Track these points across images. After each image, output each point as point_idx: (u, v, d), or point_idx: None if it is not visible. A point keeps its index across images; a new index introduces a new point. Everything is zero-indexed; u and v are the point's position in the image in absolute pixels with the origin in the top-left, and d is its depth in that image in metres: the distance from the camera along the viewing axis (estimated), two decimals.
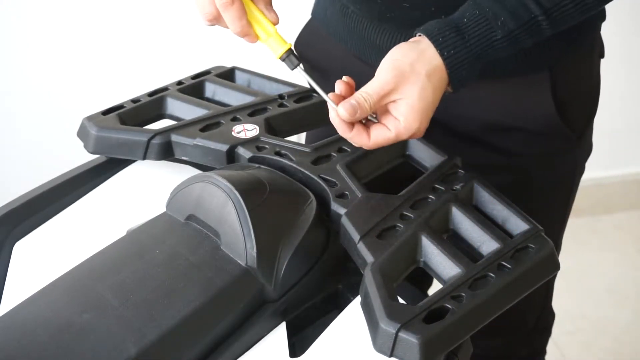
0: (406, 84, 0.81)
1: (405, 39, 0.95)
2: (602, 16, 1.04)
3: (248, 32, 0.85)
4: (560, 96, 1.02)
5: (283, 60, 0.84)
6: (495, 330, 1.01)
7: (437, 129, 1.00)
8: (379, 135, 0.82)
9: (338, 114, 0.81)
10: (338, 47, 1.10)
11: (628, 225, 2.51)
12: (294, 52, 0.84)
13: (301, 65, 0.85)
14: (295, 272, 0.77)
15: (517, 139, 1.03)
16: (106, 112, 0.96)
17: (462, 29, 0.84)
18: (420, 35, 0.84)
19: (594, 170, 2.56)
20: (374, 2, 0.97)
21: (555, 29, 0.86)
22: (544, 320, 1.26)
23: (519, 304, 0.74)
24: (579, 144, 1.07)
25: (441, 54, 0.82)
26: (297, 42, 1.17)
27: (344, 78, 0.84)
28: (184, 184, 0.81)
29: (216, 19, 0.86)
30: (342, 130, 0.82)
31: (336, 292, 0.81)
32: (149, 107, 0.98)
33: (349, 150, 0.88)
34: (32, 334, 0.68)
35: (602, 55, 1.10)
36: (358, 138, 0.82)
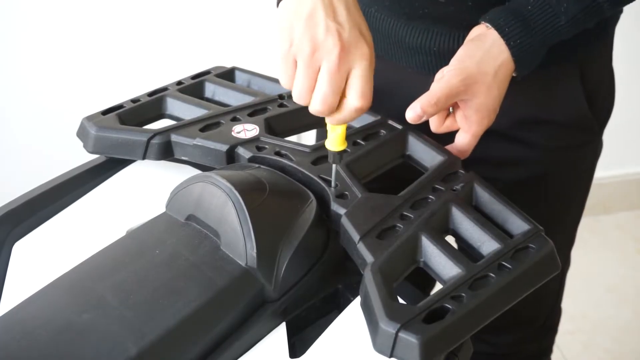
0: (474, 85, 0.84)
1: (437, 35, 0.96)
2: (620, 9, 1.07)
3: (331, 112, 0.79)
4: (589, 86, 1.04)
5: (330, 151, 0.81)
6: (506, 326, 1.01)
7: None
8: (463, 143, 0.88)
9: (406, 116, 0.84)
10: None
11: (628, 225, 2.51)
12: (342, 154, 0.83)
13: (338, 167, 0.83)
14: (295, 272, 0.77)
15: (546, 132, 1.05)
16: (106, 112, 0.95)
17: (527, 17, 0.86)
18: (485, 26, 0.86)
19: (595, 170, 2.56)
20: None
21: (614, 8, 0.89)
22: (553, 318, 1.26)
23: (531, 301, 0.75)
24: (599, 137, 1.10)
25: (507, 44, 0.85)
26: None
27: None
28: (184, 184, 0.81)
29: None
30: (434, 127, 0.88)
31: (336, 292, 0.81)
32: (148, 107, 0.98)
33: (349, 150, 0.88)
34: (32, 334, 0.68)
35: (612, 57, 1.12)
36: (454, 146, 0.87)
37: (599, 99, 1.07)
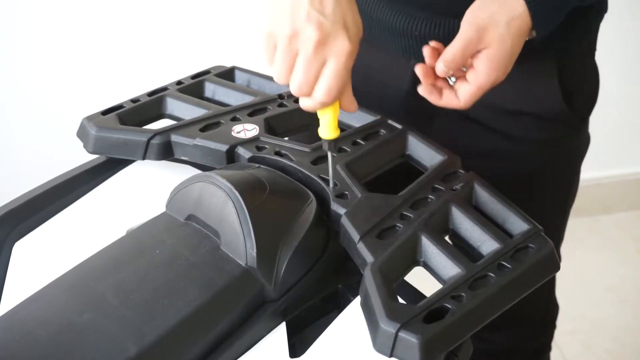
0: (486, 34, 0.84)
1: (420, 21, 0.97)
2: (605, 7, 1.06)
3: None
4: (567, 86, 1.04)
5: (324, 140, 0.82)
6: (505, 324, 1.01)
7: (444, 111, 1.02)
8: (465, 93, 0.86)
9: (436, 69, 0.86)
10: None
11: (628, 225, 2.51)
12: (337, 141, 0.83)
13: (334, 154, 0.84)
14: (295, 272, 0.77)
15: (525, 124, 1.05)
16: (106, 112, 0.95)
17: None
18: None
19: (594, 170, 2.56)
20: None
21: None
22: (550, 313, 1.26)
23: (526, 297, 0.75)
24: (581, 132, 1.10)
25: None
26: None
27: (432, 43, 0.88)
28: (184, 184, 0.81)
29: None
30: (434, 100, 0.87)
31: (336, 292, 0.81)
32: (148, 107, 0.98)
33: (348, 150, 0.88)
34: (32, 334, 0.68)
35: (595, 49, 1.12)
36: (449, 100, 0.87)
37: (578, 96, 1.08)
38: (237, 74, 1.05)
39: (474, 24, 0.85)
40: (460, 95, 0.87)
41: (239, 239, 0.75)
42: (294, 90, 0.77)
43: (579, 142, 1.13)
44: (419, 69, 0.88)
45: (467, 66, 0.87)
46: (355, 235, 0.77)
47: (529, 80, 1.04)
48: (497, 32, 0.84)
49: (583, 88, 1.09)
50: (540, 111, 1.05)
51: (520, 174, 1.07)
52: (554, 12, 0.87)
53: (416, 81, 0.93)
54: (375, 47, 1.07)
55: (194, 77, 1.03)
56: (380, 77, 1.09)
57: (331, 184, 0.84)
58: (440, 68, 0.86)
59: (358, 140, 0.90)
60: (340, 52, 0.75)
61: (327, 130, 0.81)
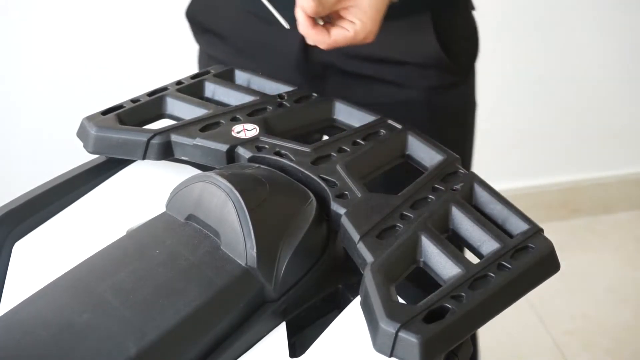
0: None
1: None
2: None
3: None
4: (444, 38, 1.12)
5: None
6: None
7: (333, 70, 1.13)
8: (338, 35, 0.91)
9: (304, 6, 0.89)
10: (230, 6, 1.15)
11: (628, 225, 2.51)
12: None
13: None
14: (295, 272, 0.77)
15: (409, 71, 1.13)
16: (106, 112, 0.95)
17: None
18: None
19: (594, 170, 2.57)
20: None
21: None
22: None
23: None
24: (466, 81, 1.20)
25: None
26: (191, 7, 1.21)
27: None
28: (184, 184, 0.81)
29: None
30: (305, 26, 0.91)
31: (336, 292, 0.81)
32: (148, 107, 0.98)
33: (348, 150, 0.88)
34: (32, 334, 0.68)
35: (472, 7, 1.22)
36: (320, 36, 0.90)
37: (455, 45, 1.16)
38: (237, 74, 1.05)
39: None
40: (333, 35, 0.92)
41: (239, 239, 0.75)
42: None
43: (465, 94, 1.21)
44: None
45: (336, 16, 0.92)
46: (355, 235, 0.77)
47: (407, 33, 1.12)
48: None
49: (460, 39, 1.17)
50: (422, 60, 1.13)
51: (411, 119, 1.12)
52: None
53: (305, 47, 1.05)
54: (263, 20, 1.11)
55: (194, 77, 1.03)
56: (270, 47, 1.15)
57: None
58: (311, 6, 0.89)
59: (358, 140, 0.90)
60: None
61: None
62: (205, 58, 1.26)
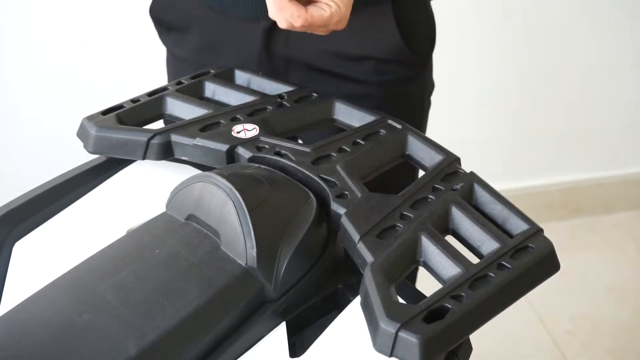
0: None
1: None
2: None
3: None
4: (405, 27, 1.12)
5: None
6: None
7: (294, 65, 1.13)
8: (315, 12, 0.89)
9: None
10: (191, 1, 1.15)
11: (628, 225, 2.51)
12: None
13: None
14: (295, 272, 0.77)
15: (368, 67, 1.13)
16: (106, 112, 0.95)
17: None
18: None
19: (594, 170, 2.57)
20: None
21: None
22: None
23: None
24: (424, 76, 1.19)
25: None
26: (154, 4, 1.21)
27: None
28: (184, 184, 0.81)
29: None
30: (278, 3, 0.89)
31: (336, 292, 0.81)
32: (148, 107, 0.98)
33: (348, 150, 0.88)
34: (32, 334, 0.68)
35: None
36: (296, 9, 0.88)
37: (416, 37, 1.16)
38: (237, 74, 1.05)
39: None
40: (309, 14, 0.89)
41: (239, 239, 0.75)
42: None
43: (423, 83, 1.21)
44: None
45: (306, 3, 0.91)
46: (355, 235, 0.77)
47: (368, 25, 1.10)
48: None
49: (419, 29, 1.17)
50: (382, 54, 1.12)
51: None
52: None
53: (267, 41, 1.05)
54: (223, 15, 1.12)
55: (193, 77, 1.03)
56: (232, 42, 1.14)
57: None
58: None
59: (358, 140, 0.90)
60: None
61: None
62: (171, 60, 1.26)
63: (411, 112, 1.21)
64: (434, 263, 0.75)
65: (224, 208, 0.76)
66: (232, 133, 0.91)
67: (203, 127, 0.92)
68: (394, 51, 1.13)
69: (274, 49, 1.15)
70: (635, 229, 2.48)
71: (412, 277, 1.22)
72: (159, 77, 1.31)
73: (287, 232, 0.77)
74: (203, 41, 1.17)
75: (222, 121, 0.93)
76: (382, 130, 0.91)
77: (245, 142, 0.90)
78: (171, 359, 0.69)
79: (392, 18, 1.11)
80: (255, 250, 0.74)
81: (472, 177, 0.84)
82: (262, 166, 0.86)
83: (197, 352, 0.70)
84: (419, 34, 1.17)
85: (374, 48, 1.12)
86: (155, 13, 1.23)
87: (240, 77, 1.05)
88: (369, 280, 0.72)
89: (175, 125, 0.93)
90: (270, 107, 0.96)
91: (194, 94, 1.01)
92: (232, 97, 1.00)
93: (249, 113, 0.95)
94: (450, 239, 0.79)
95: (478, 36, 2.26)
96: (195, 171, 0.92)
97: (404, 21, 1.13)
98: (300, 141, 0.93)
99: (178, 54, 1.21)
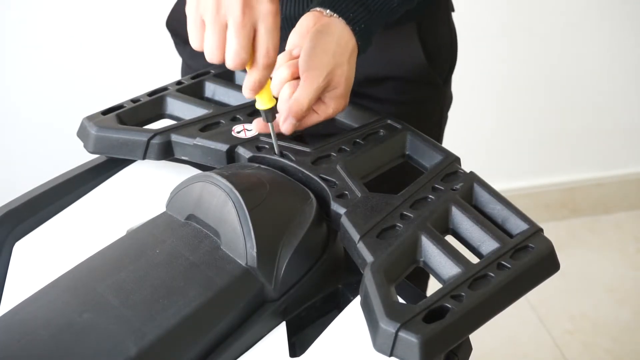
0: (334, 78, 0.88)
1: (285, 2, 1.01)
2: None
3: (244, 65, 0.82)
4: (428, 45, 1.11)
5: (262, 111, 0.86)
6: None
7: None
8: (309, 119, 0.89)
9: (283, 130, 0.87)
10: None
11: (628, 225, 2.51)
12: (275, 109, 0.86)
13: (272, 124, 0.87)
14: (295, 272, 0.77)
15: (391, 88, 1.12)
16: (106, 112, 0.96)
17: (366, 1, 0.91)
18: (323, 13, 0.90)
19: (594, 170, 2.57)
20: None
21: None
22: None
23: None
24: (444, 92, 1.18)
25: (353, 30, 0.89)
26: (170, 18, 1.20)
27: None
28: (184, 183, 0.81)
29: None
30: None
31: (336, 292, 0.81)
32: (148, 107, 0.98)
33: (348, 150, 0.88)
34: (32, 334, 0.68)
35: (452, 9, 1.21)
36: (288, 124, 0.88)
37: (439, 55, 1.15)
38: (237, 74, 1.05)
39: (323, 71, 0.87)
40: (304, 124, 0.90)
41: (239, 239, 0.75)
42: (231, 61, 0.79)
43: (442, 101, 1.20)
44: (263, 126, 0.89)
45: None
46: (355, 235, 0.77)
47: (392, 45, 1.10)
48: (344, 74, 0.88)
49: (442, 47, 1.16)
50: (406, 74, 1.11)
51: None
52: (374, 35, 0.93)
53: None
54: None
55: (194, 77, 1.04)
56: None
57: (276, 150, 0.87)
58: (293, 122, 0.87)
59: (358, 140, 0.90)
60: (268, 12, 0.79)
61: (263, 100, 0.84)
62: (187, 70, 1.25)
63: (429, 129, 1.18)
64: (434, 263, 0.75)
65: (224, 208, 0.76)
66: (232, 133, 0.91)
67: (203, 127, 0.92)
68: (417, 71, 1.12)
69: None
70: (635, 229, 2.48)
71: (424, 285, 1.22)
72: (159, 77, 1.31)
73: (287, 232, 0.77)
74: None
75: (222, 121, 0.93)
76: (382, 130, 0.91)
77: (245, 142, 0.90)
78: (171, 358, 0.69)
79: (416, 38, 1.10)
80: (255, 250, 0.74)
81: (472, 177, 0.84)
82: (262, 166, 0.86)
83: (197, 352, 0.70)
84: (442, 52, 1.16)
85: (397, 69, 1.11)
86: (173, 27, 1.21)
87: (241, 77, 1.05)
88: (369, 280, 0.72)
89: (176, 125, 0.93)
90: None
91: (194, 94, 1.01)
92: (232, 97, 1.00)
93: (249, 113, 0.95)
94: (450, 239, 0.79)
95: (478, 37, 2.26)
96: (195, 171, 0.92)
97: (429, 39, 1.12)
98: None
99: (194, 66, 1.20)
